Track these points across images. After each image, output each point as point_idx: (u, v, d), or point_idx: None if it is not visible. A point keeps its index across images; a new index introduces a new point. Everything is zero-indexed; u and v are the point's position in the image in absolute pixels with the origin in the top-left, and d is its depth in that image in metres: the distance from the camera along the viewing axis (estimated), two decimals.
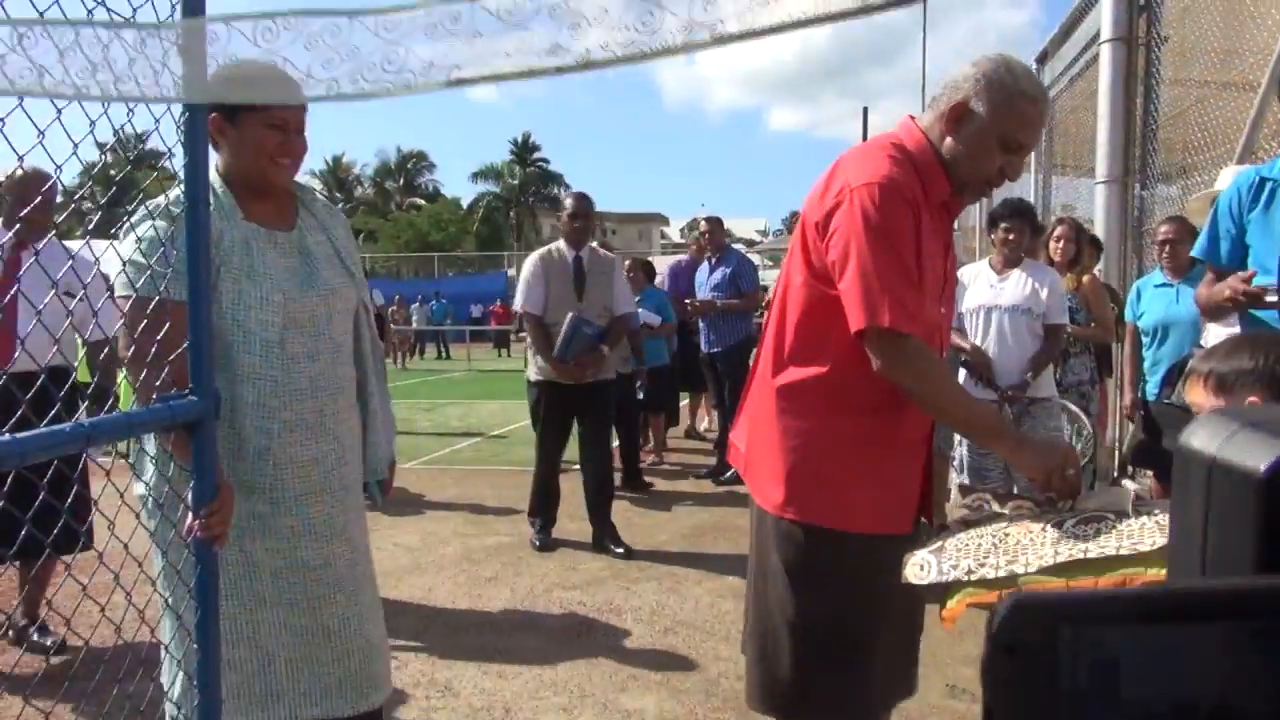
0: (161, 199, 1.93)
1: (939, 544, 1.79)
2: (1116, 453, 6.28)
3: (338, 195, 49.99)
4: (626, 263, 6.85)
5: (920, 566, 1.74)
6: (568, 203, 5.36)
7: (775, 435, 2.00)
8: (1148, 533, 1.52)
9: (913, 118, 2.01)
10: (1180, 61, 6.18)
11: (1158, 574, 1.47)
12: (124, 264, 1.82)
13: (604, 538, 5.14)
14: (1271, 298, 2.53)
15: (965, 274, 4.50)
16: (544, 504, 5.28)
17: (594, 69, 0.76)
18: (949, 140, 1.91)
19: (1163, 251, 4.66)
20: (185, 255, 1.69)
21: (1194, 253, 3.18)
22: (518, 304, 5.28)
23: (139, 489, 1.98)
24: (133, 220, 1.92)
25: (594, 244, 5.38)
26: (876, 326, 1.79)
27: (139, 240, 1.84)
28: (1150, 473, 5.09)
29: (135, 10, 1.44)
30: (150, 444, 1.99)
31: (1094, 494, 1.85)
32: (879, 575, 1.87)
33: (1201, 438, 0.55)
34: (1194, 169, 6.02)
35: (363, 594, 2.18)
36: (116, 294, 1.90)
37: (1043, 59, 8.79)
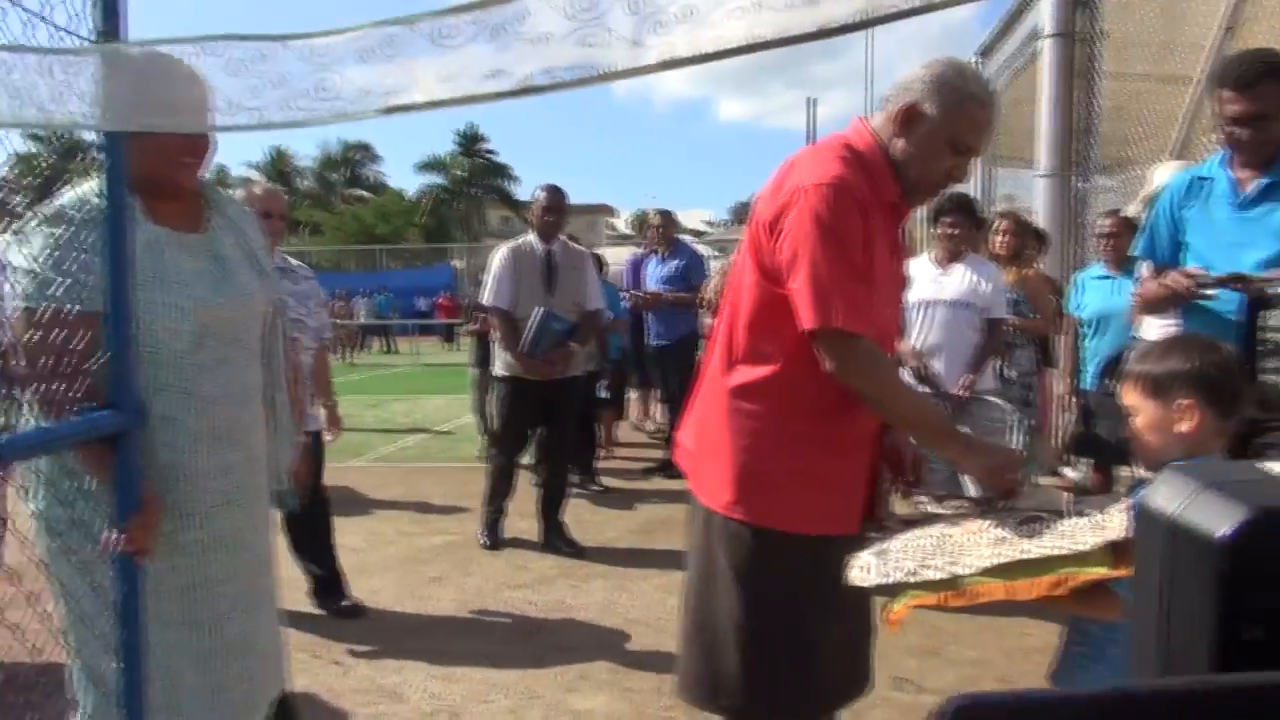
0: (62, 200, 1.81)
1: (882, 546, 1.79)
2: (1057, 441, 6.39)
3: (280, 187, 48.97)
4: None
5: (863, 568, 1.74)
6: (540, 195, 5.22)
7: (725, 435, 1.98)
8: (1084, 532, 1.53)
9: (863, 119, 2.01)
10: (1119, 56, 6.30)
11: (1094, 573, 1.48)
12: (15, 270, 1.71)
13: (554, 536, 5.07)
14: (1210, 291, 2.57)
15: (909, 268, 4.53)
16: (497, 498, 5.17)
17: (536, 94, 0.72)
18: (899, 142, 1.92)
19: (1103, 244, 4.74)
20: (106, 262, 1.60)
21: (1133, 251, 3.23)
22: (486, 298, 5.13)
23: (31, 507, 1.87)
24: (30, 224, 1.80)
25: (565, 238, 5.28)
26: (828, 327, 1.78)
27: (39, 247, 1.74)
28: (1089, 461, 5.18)
29: (51, 34, 1.37)
30: (44, 463, 1.86)
31: (1031, 493, 1.87)
32: (827, 576, 1.85)
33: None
34: (1132, 162, 6.15)
35: (264, 606, 2.12)
36: (11, 303, 1.78)
37: (985, 53, 8.91)
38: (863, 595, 2.05)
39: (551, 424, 5.12)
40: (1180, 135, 5.25)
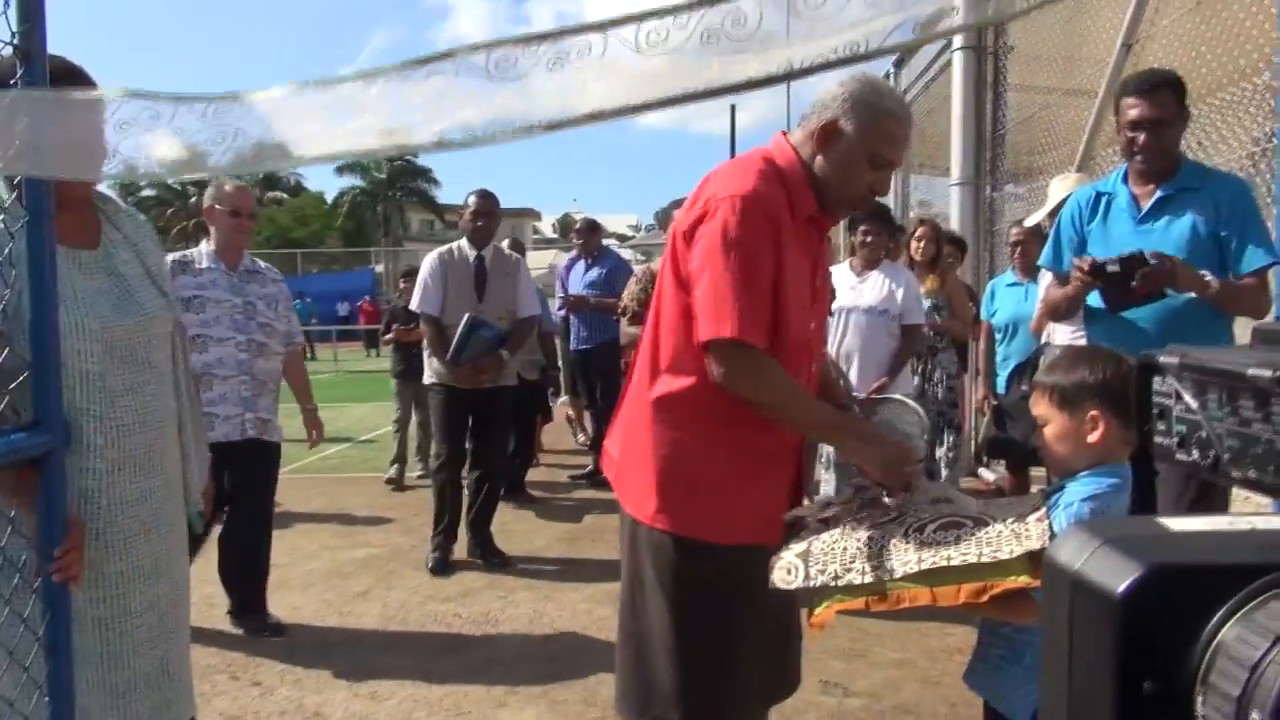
0: None
1: (804, 546, 1.82)
2: (973, 444, 6.59)
3: (192, 189, 47.49)
4: None
5: (788, 570, 1.76)
6: (470, 200, 5.10)
7: (648, 445, 2.00)
8: (1005, 541, 1.58)
9: (784, 134, 2.05)
10: (1026, 69, 6.53)
11: (1014, 581, 1.53)
12: None
13: (481, 549, 4.98)
14: (1113, 267, 2.70)
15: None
16: (446, 519, 4.93)
17: (446, 150, 0.72)
18: (819, 159, 1.96)
19: (1014, 252, 4.91)
20: (27, 275, 1.54)
21: (1039, 262, 3.36)
22: (414, 303, 5.03)
23: None
24: None
25: (498, 243, 5.19)
26: (719, 337, 1.82)
27: None
28: (1003, 462, 5.35)
29: None
30: None
31: (931, 487, 1.92)
32: (751, 584, 1.89)
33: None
34: (1040, 171, 6.37)
35: (180, 634, 2.06)
36: None
37: (899, 63, 9.13)
38: (788, 598, 2.09)
39: (482, 434, 5.00)
40: (1084, 147, 5.47)
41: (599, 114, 0.67)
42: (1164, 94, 2.76)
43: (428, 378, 5.03)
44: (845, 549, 1.76)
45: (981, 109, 6.84)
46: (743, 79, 0.71)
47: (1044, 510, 1.65)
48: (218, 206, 3.88)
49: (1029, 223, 4.50)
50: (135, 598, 1.89)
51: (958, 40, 6.74)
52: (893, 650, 3.65)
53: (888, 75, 9.53)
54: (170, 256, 3.63)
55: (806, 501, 2.14)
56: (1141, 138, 2.79)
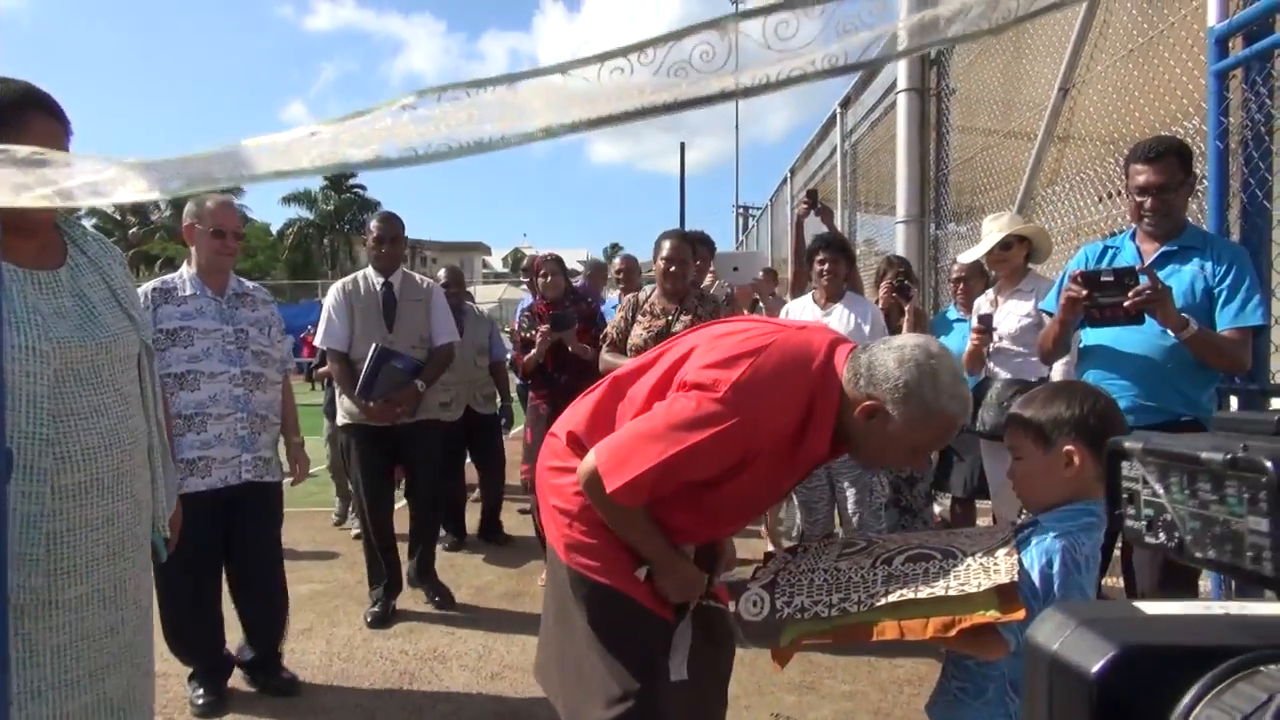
0: None
1: (770, 577, 1.82)
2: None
3: (131, 219, 46.60)
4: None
5: (753, 603, 1.76)
6: (372, 225, 4.70)
7: (564, 493, 2.04)
8: (973, 574, 1.57)
9: (841, 367, 1.86)
10: (967, 111, 6.73)
11: (982, 616, 1.51)
12: None
13: (423, 585, 4.81)
14: (1106, 276, 2.77)
15: (793, 308, 4.67)
16: (382, 570, 4.60)
17: (384, 168, 0.72)
18: (858, 422, 1.82)
19: (956, 288, 5.01)
20: None
21: (1041, 306, 3.45)
22: (318, 340, 4.63)
23: None
24: None
25: (408, 270, 4.80)
26: (600, 478, 1.84)
27: None
28: (949, 495, 5.41)
29: None
30: None
31: (844, 539, 1.94)
32: (656, 633, 1.99)
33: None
34: (980, 210, 6.53)
35: (144, 659, 2.03)
36: None
37: (845, 103, 9.34)
38: (717, 648, 2.17)
39: (409, 472, 4.75)
40: (1024, 187, 5.63)
41: (550, 129, 0.67)
42: (1169, 160, 2.88)
43: (341, 419, 4.60)
44: (812, 580, 1.75)
45: (925, 149, 7.02)
46: (691, 97, 0.72)
47: (1013, 544, 1.63)
48: (198, 225, 3.49)
49: (967, 259, 4.60)
50: (94, 620, 1.85)
51: (902, 81, 6.94)
52: (844, 683, 3.65)
53: (834, 116, 9.75)
54: (149, 284, 3.43)
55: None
56: (1148, 202, 2.92)
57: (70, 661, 1.82)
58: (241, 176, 0.70)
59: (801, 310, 4.58)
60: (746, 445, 1.79)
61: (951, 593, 1.55)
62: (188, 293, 3.44)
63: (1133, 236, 3.06)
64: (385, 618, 4.51)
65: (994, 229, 4.14)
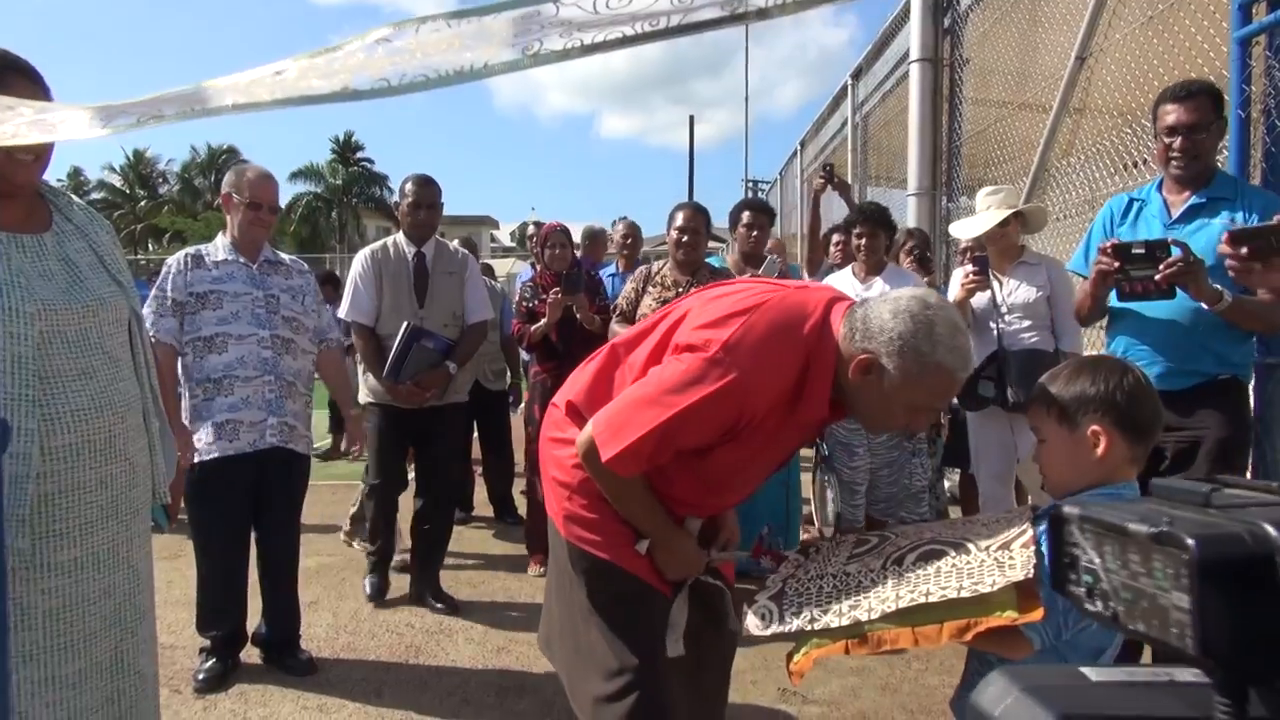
0: None
1: (778, 587, 1.75)
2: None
3: (140, 192, 46.55)
4: None
5: (762, 616, 1.69)
6: (407, 188, 4.26)
7: (564, 466, 2.01)
8: (987, 571, 1.49)
9: (839, 325, 1.80)
10: (981, 82, 6.61)
11: (1001, 618, 1.43)
12: None
13: (426, 589, 4.35)
14: (1137, 249, 2.69)
15: (834, 282, 4.59)
16: (378, 541, 4.43)
17: (354, 99, 0.68)
18: (854, 382, 1.76)
19: (964, 260, 4.94)
20: None
21: (1069, 267, 3.37)
22: (343, 311, 4.23)
23: None
24: None
25: (442, 238, 4.44)
26: (597, 447, 1.81)
27: None
28: (958, 471, 5.38)
29: None
30: None
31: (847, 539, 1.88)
32: (656, 608, 1.96)
33: (987, 698, 0.65)
34: (993, 182, 6.45)
35: (141, 626, 2.02)
36: None
37: (857, 75, 9.22)
38: (726, 650, 2.18)
39: (427, 460, 4.40)
40: (1038, 160, 5.55)
41: (538, 55, 0.63)
42: (1201, 100, 2.77)
43: (362, 396, 4.32)
44: (820, 588, 1.69)
45: (938, 121, 6.92)
46: (687, 23, 0.67)
47: (1030, 535, 1.52)
48: (235, 196, 3.48)
49: (962, 234, 4.44)
50: (90, 584, 1.86)
51: (915, 51, 6.82)
52: (850, 658, 3.63)
53: (845, 88, 9.63)
54: (184, 251, 3.50)
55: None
56: (1178, 142, 2.80)
57: (64, 625, 1.83)
58: (195, 112, 0.67)
59: (841, 284, 4.48)
60: (741, 406, 1.75)
61: (964, 594, 1.46)
62: (220, 258, 3.46)
63: (1159, 187, 2.96)
64: (383, 590, 4.42)
65: (992, 204, 4.06)
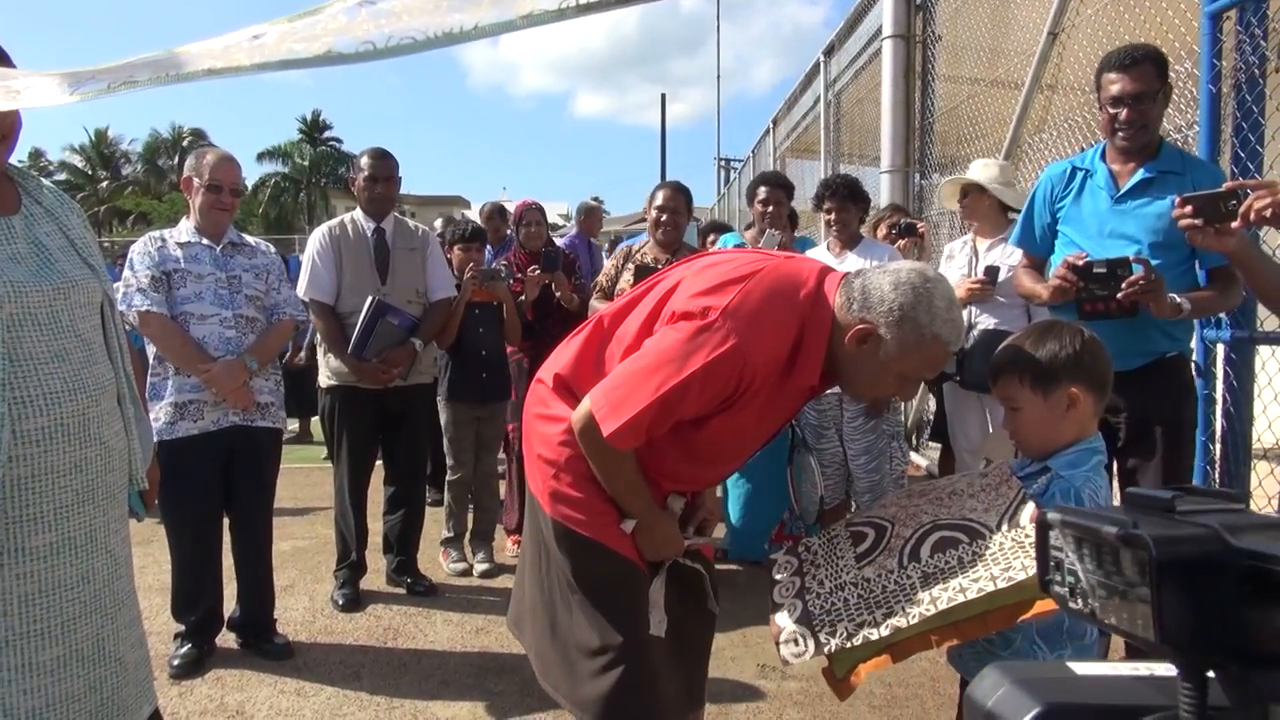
0: None
1: (800, 609, 1.72)
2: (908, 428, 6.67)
3: (102, 173, 45.70)
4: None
5: (794, 642, 1.66)
6: (363, 162, 4.14)
7: (550, 441, 1.99)
8: (1014, 554, 1.48)
9: (838, 286, 1.84)
10: (953, 59, 6.62)
11: (1046, 604, 1.41)
12: None
13: (402, 572, 4.32)
14: (1099, 269, 2.68)
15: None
16: (349, 549, 4.21)
17: (334, 63, 0.65)
18: (849, 350, 1.79)
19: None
20: None
21: (1011, 241, 3.35)
22: (300, 289, 4.03)
23: None
24: None
25: (400, 215, 4.32)
26: (596, 422, 1.79)
27: None
28: (938, 446, 5.41)
29: None
30: None
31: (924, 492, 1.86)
32: (640, 588, 1.95)
33: (982, 690, 0.74)
34: (965, 160, 6.47)
35: (121, 611, 1.98)
36: None
37: (829, 52, 9.19)
38: (707, 619, 2.16)
39: (395, 442, 4.25)
40: (1011, 135, 5.57)
41: (532, 16, 0.61)
42: (1146, 68, 2.71)
43: (324, 379, 4.15)
44: (845, 600, 1.66)
45: (910, 98, 6.92)
46: None
47: (1033, 507, 1.55)
48: (195, 179, 3.46)
49: (947, 180, 4.48)
50: (65, 569, 1.83)
51: (887, 28, 6.82)
52: None
53: (817, 64, 9.61)
54: (148, 235, 3.46)
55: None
56: (1123, 113, 2.74)
57: (40, 611, 1.80)
58: (169, 77, 0.64)
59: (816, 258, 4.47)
60: (740, 373, 1.75)
61: (1001, 584, 1.45)
62: (183, 239, 3.44)
63: (1102, 156, 2.91)
64: (356, 600, 4.16)
65: (972, 174, 4.13)
